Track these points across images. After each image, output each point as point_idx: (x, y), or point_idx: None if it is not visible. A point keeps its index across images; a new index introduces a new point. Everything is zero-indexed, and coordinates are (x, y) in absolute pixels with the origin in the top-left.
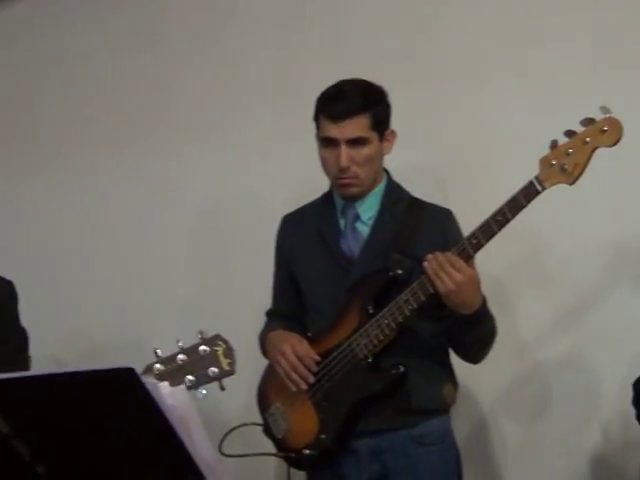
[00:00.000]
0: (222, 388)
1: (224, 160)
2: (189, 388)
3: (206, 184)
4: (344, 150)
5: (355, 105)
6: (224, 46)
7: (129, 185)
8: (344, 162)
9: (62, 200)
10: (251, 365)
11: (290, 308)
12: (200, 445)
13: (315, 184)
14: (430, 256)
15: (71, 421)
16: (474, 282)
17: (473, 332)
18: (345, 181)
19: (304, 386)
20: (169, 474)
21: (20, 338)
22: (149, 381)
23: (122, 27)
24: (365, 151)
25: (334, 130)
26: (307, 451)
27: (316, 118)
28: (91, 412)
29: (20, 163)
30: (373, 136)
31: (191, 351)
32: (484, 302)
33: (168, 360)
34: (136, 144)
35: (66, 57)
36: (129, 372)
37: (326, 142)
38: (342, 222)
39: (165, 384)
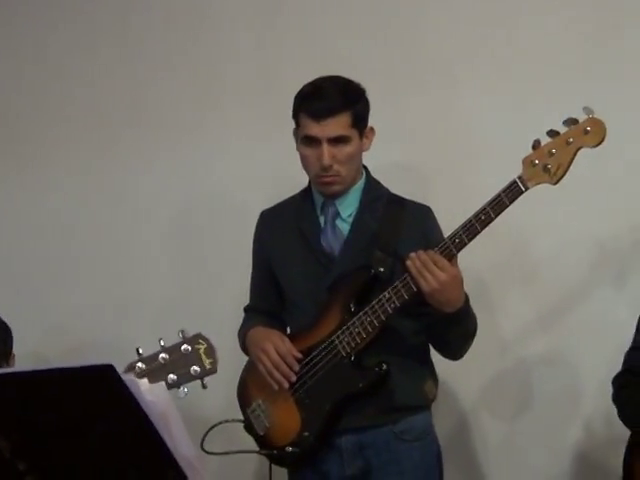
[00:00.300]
0: (204, 386)
1: (202, 158)
2: (171, 387)
3: (184, 182)
4: (326, 149)
5: (336, 103)
6: (202, 46)
7: (107, 183)
8: (326, 161)
9: (40, 199)
10: (231, 363)
11: (269, 304)
12: (180, 442)
13: (293, 182)
14: (413, 255)
15: (51, 417)
16: (457, 281)
17: (455, 330)
18: (327, 179)
19: (286, 385)
20: (149, 471)
21: None
22: (128, 377)
23: (99, 25)
24: (347, 149)
25: (315, 128)
26: (290, 448)
27: (295, 115)
28: (71, 408)
29: None
30: (354, 134)
31: (173, 350)
32: (467, 300)
33: (150, 359)
34: (114, 143)
35: (43, 55)
36: (108, 368)
37: (307, 140)
38: (322, 219)
39: (144, 381)
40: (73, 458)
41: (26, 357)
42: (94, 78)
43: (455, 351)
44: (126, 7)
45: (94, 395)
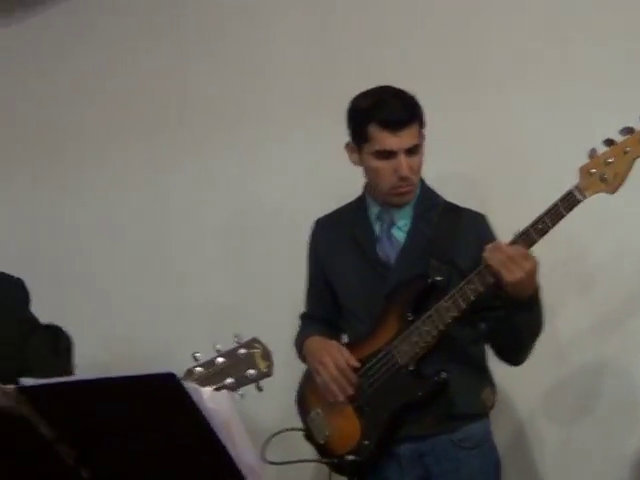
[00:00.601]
0: (260, 389)
1: (257, 163)
2: (228, 390)
3: (239, 188)
4: (404, 160)
5: (408, 113)
6: (255, 56)
7: (163, 188)
8: (406, 172)
9: (98, 204)
10: (287, 371)
11: (325, 311)
12: (243, 450)
13: (345, 190)
14: (490, 246)
15: (114, 425)
16: (536, 270)
17: (527, 319)
18: (403, 189)
19: (342, 399)
20: (212, 479)
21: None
22: (190, 386)
23: (154, 29)
24: (419, 158)
25: (391, 140)
26: (350, 457)
27: (360, 129)
28: (134, 417)
29: (48, 170)
30: (421, 142)
31: (229, 354)
32: (538, 287)
33: (208, 364)
34: (168, 147)
35: (91, 54)
36: (170, 377)
37: (381, 154)
38: (377, 228)
39: (207, 389)
40: (136, 466)
41: (85, 365)
42: (146, 80)
43: (522, 348)
44: (180, 14)
45: (156, 403)
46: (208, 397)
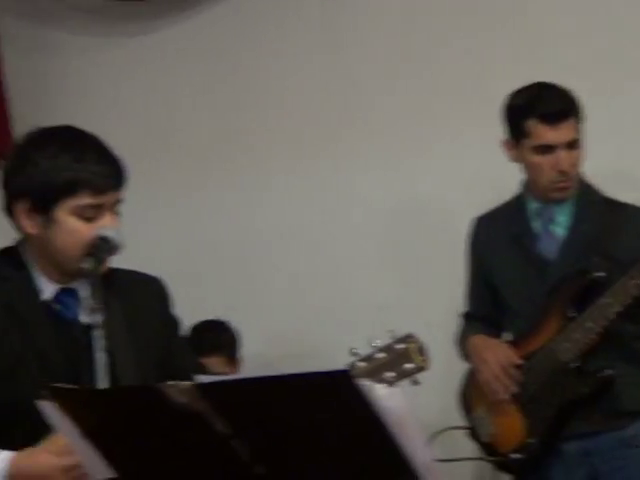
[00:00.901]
0: (416, 382)
1: (412, 160)
2: (388, 384)
3: (397, 184)
4: (564, 154)
5: (567, 106)
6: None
7: (327, 185)
8: (567, 166)
9: (261, 201)
10: (444, 368)
11: (486, 310)
12: (418, 448)
13: (502, 186)
14: None
15: (287, 423)
16: None
17: None
18: (563, 184)
19: (505, 396)
20: (386, 478)
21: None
22: (364, 383)
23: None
24: (578, 153)
25: (550, 134)
26: (515, 455)
27: (518, 124)
28: (307, 414)
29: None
30: (580, 137)
31: (387, 349)
32: None
33: (368, 358)
34: (330, 143)
35: (264, 60)
36: (344, 374)
37: (541, 149)
38: (536, 224)
39: (380, 386)
40: (309, 463)
41: (250, 360)
42: (304, 82)
43: None
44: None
45: (329, 401)
46: (381, 394)
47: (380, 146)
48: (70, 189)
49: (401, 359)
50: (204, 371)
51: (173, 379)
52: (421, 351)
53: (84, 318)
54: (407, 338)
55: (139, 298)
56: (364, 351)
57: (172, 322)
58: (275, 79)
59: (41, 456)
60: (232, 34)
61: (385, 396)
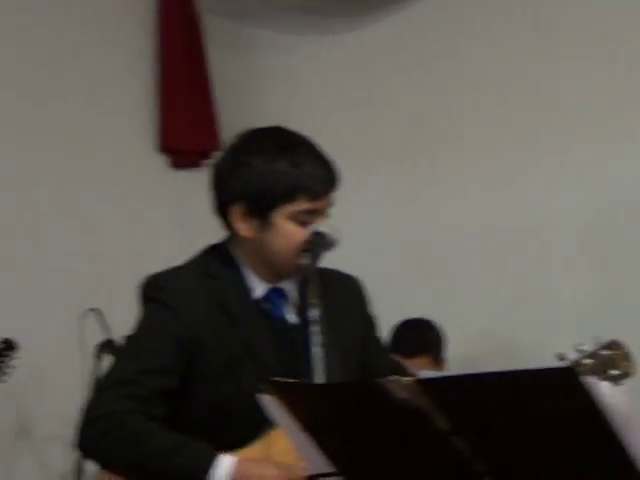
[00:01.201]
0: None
1: (617, 158)
2: (613, 382)
3: (600, 183)
4: None
5: None
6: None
7: (527, 185)
8: None
9: (458, 204)
10: None
11: None
12: None
13: None
14: None
15: (509, 420)
16: None
17: None
18: None
19: None
20: (611, 477)
21: None
22: (590, 381)
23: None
24: None
25: None
26: None
27: None
28: (530, 410)
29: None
30: None
31: (593, 355)
32: None
33: (575, 363)
34: (523, 142)
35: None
36: (570, 370)
37: None
38: None
39: (605, 384)
40: (532, 461)
41: (455, 359)
42: (512, 79)
43: None
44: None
45: (554, 397)
46: (607, 392)
47: (583, 141)
48: (289, 195)
49: (607, 365)
50: (403, 371)
51: (372, 378)
52: (627, 358)
53: (291, 317)
54: (612, 345)
55: (340, 296)
56: (571, 356)
57: (370, 321)
58: (475, 79)
59: (267, 466)
60: (438, 29)
61: (610, 394)
